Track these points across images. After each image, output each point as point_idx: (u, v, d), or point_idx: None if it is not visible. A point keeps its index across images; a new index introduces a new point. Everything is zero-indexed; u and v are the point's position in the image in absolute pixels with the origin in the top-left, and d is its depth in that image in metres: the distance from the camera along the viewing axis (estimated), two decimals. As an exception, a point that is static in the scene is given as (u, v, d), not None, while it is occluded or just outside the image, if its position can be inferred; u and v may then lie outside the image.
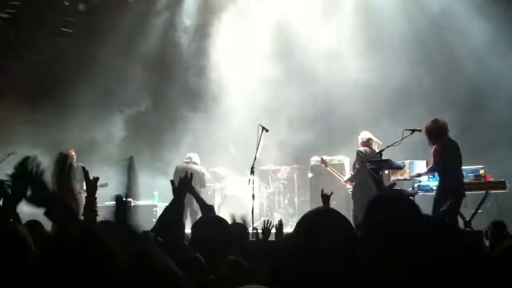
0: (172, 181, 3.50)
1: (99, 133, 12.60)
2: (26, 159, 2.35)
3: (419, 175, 8.00)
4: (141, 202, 11.29)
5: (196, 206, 7.92)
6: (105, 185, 10.69)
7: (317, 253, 2.01)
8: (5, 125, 11.73)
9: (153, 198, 11.19)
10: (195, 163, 10.54)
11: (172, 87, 13.00)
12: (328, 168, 9.64)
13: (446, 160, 7.25)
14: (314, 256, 2.01)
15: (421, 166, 8.15)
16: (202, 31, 13.04)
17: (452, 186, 7.24)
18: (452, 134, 7.54)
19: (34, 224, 3.52)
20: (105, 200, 5.08)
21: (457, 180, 7.36)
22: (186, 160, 10.62)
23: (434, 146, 7.35)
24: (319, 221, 2.12)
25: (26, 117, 12.15)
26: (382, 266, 1.99)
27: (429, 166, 7.66)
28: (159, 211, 10.43)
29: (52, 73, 12.67)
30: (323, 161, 9.86)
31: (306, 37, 12.15)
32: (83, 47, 12.46)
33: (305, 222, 2.16)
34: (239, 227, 4.02)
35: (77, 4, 12.47)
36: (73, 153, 10.61)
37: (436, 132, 7.34)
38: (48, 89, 12.43)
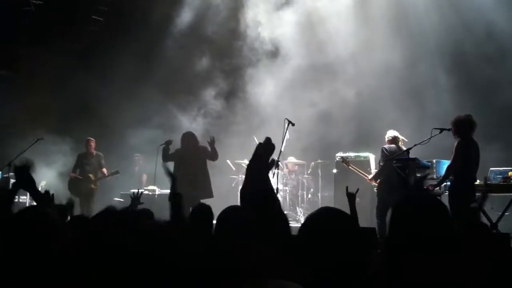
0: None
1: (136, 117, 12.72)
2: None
3: (441, 181, 7.55)
4: (165, 191, 11.37)
5: None
6: (116, 172, 10.90)
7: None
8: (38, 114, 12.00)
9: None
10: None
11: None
12: (350, 167, 9.46)
13: (467, 155, 7.10)
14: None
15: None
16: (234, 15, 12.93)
17: (469, 181, 7.14)
18: (481, 135, 7.40)
19: None
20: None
21: (473, 178, 7.26)
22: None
23: (457, 141, 7.18)
24: (319, 219, 2.13)
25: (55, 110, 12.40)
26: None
27: (448, 165, 7.30)
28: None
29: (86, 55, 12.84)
30: (344, 160, 9.71)
31: (336, 31, 12.01)
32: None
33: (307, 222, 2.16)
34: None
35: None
36: (92, 140, 11.05)
37: (464, 124, 7.16)
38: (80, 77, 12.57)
